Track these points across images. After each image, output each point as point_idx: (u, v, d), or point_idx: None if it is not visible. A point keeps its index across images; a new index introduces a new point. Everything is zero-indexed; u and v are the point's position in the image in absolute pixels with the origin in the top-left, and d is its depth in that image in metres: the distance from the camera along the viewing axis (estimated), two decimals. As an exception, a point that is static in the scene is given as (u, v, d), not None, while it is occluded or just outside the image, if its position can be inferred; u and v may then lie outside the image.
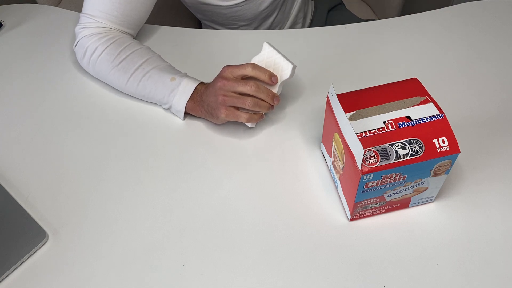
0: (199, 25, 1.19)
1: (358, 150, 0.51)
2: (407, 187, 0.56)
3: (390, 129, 0.54)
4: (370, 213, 0.61)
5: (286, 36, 0.86)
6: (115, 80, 0.76)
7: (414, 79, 0.59)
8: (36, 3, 1.10)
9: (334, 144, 0.59)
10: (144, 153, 0.71)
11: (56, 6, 1.12)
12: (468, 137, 0.68)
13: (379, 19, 0.92)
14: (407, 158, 0.52)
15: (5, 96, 0.82)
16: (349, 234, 0.60)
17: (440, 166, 0.54)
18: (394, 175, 0.53)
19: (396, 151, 0.52)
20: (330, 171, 0.66)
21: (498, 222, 0.60)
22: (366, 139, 0.53)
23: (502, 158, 0.66)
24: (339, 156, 0.58)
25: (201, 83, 0.72)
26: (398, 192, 0.57)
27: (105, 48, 0.76)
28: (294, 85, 0.78)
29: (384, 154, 0.52)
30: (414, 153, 0.52)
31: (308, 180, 0.66)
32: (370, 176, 0.52)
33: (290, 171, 0.67)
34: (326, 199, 0.64)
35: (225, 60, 0.82)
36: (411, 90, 0.57)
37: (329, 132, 0.61)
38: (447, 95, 0.74)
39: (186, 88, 0.71)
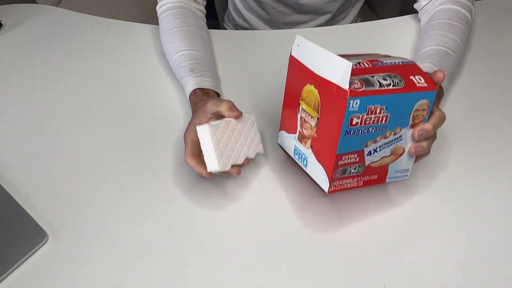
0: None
1: (344, 66, 0.49)
2: (387, 141, 0.55)
3: (366, 66, 0.54)
4: (349, 185, 0.59)
5: (286, 36, 0.86)
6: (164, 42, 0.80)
7: (413, 62, 0.58)
8: (36, 3, 1.10)
9: (302, 106, 0.57)
10: (144, 153, 0.71)
11: (56, 6, 1.12)
12: (468, 137, 0.68)
13: (379, 19, 0.92)
14: (390, 88, 0.52)
15: (5, 96, 0.82)
16: (349, 234, 0.60)
17: (418, 110, 0.54)
18: (378, 110, 0.52)
19: (378, 81, 0.52)
20: (295, 156, 0.63)
21: (498, 222, 0.60)
22: None
23: (502, 157, 0.66)
24: (311, 111, 0.56)
25: (195, 92, 0.71)
26: (378, 150, 0.56)
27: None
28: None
29: (368, 83, 0.51)
30: (396, 85, 0.52)
31: (307, 179, 0.66)
32: (356, 104, 0.50)
33: (289, 171, 0.67)
34: (326, 198, 0.64)
35: (227, 61, 0.82)
36: (407, 69, 0.57)
37: (292, 100, 0.59)
38: (447, 94, 0.74)
39: (186, 90, 0.73)
